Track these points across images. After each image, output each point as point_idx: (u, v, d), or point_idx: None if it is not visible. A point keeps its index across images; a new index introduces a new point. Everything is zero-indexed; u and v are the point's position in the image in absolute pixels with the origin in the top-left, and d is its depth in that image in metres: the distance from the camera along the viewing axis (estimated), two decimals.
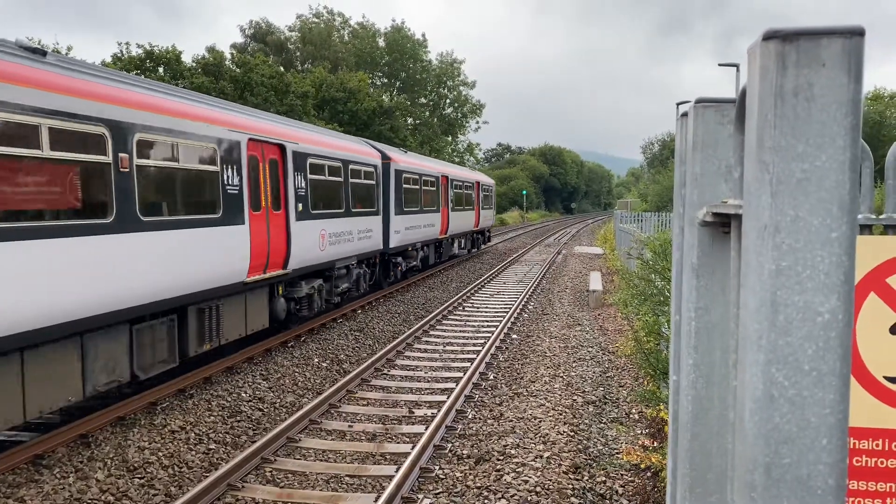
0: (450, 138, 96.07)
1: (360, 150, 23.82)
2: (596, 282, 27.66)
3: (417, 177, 29.94)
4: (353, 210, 21.91)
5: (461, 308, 24.39)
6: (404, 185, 27.91)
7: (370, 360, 16.44)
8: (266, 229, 16.31)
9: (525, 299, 25.93)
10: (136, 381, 12.70)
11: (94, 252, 10.68)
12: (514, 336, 19.94)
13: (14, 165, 9.34)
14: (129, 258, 11.41)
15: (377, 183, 24.82)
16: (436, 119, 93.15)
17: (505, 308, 24.25)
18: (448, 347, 18.58)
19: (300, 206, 18.05)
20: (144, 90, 12.53)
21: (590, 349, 18.33)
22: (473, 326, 21.16)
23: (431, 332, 20.24)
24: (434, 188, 32.75)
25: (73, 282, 10.22)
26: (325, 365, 16.68)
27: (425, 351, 18.21)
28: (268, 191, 16.43)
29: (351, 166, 22.11)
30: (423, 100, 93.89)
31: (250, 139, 15.72)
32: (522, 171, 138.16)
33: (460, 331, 20.60)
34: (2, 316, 9.09)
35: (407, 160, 29.19)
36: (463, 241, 41.15)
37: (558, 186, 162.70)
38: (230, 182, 14.57)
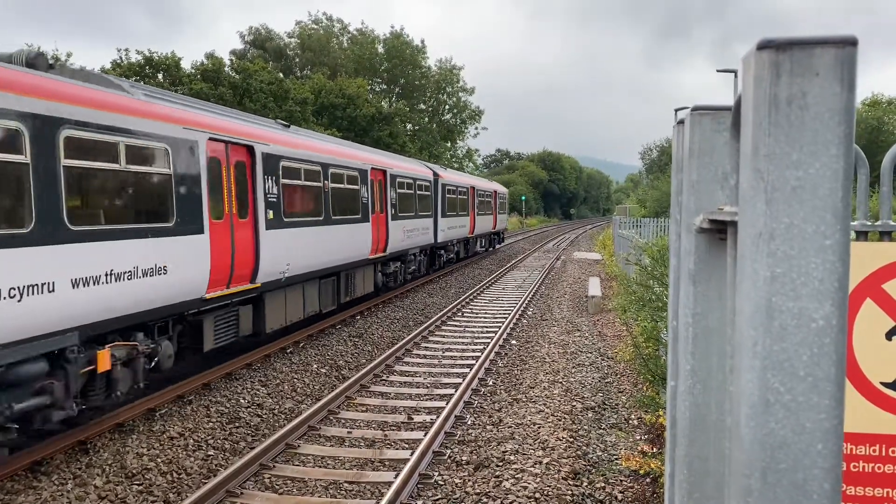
0: (449, 144, 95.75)
1: (423, 171, 32.45)
2: (595, 287, 27.77)
3: (455, 188, 38.26)
4: (420, 213, 29.74)
5: (459, 314, 24.28)
6: (447, 196, 35.83)
7: (369, 367, 16.46)
8: (379, 227, 24.91)
9: (524, 305, 25.84)
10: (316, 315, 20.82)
11: (315, 235, 19.09)
12: (514, 342, 19.84)
13: None
14: (331, 239, 20.33)
15: (432, 193, 32.94)
16: (435, 125, 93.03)
17: (504, 313, 24.19)
18: (447, 353, 18.55)
19: (393, 210, 26.49)
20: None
21: (589, 355, 18.27)
22: (472, 332, 21.08)
23: (430, 338, 20.23)
24: (465, 197, 40.76)
25: (305, 254, 18.19)
26: (324, 371, 16.69)
27: (424, 357, 18.21)
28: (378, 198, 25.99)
29: (419, 182, 30.61)
30: (422, 106, 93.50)
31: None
32: (521, 176, 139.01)
33: (459, 336, 20.56)
34: (298, 266, 17.87)
35: (449, 176, 37.67)
36: (483, 240, 48.80)
37: (557, 192, 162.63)
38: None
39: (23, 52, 11.01)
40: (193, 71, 53.26)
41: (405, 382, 15.74)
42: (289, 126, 20.13)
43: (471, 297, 27.75)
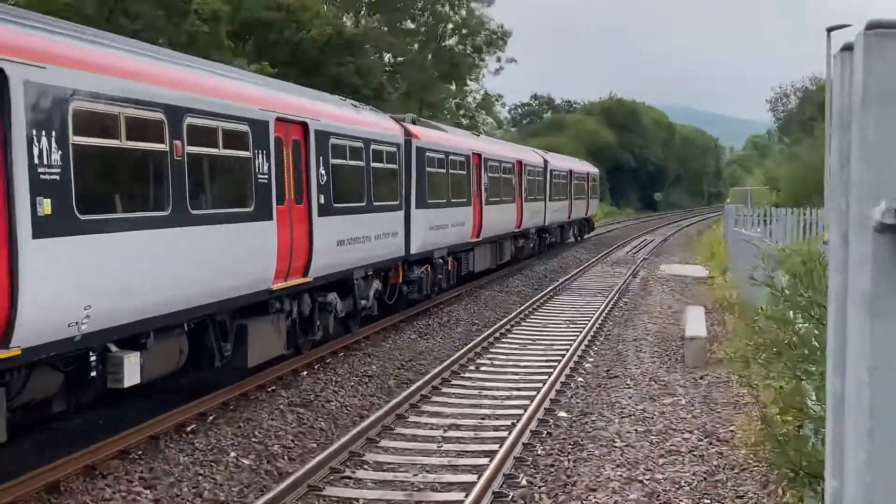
0: (453, 86, 65.79)
1: (533, 158, 35.47)
2: (696, 324, 18.69)
3: (566, 172, 43.85)
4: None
5: (475, 368, 16.45)
6: (554, 181, 39.67)
7: (322, 456, 10.59)
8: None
9: (578, 352, 17.58)
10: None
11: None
12: (563, 413, 13.49)
13: None
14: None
15: (543, 178, 36.89)
16: (430, 56, 61.48)
17: (546, 367, 16.36)
18: (456, 431, 12.42)
19: (526, 196, 31.41)
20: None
21: (687, 436, 12.23)
22: (497, 397, 14.39)
23: (432, 405, 13.91)
24: (565, 181, 43.63)
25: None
26: (246, 463, 11.04)
27: (415, 438, 12.06)
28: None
29: (527, 167, 33.02)
30: (409, 24, 62.44)
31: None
32: (573, 139, 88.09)
33: (477, 402, 14.09)
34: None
35: (557, 163, 42.52)
36: (576, 227, 48.82)
37: (633, 165, 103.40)
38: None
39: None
40: None
41: (384, 481, 10.30)
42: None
43: (495, 336, 19.30)
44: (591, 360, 17.44)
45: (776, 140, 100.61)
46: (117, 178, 10.47)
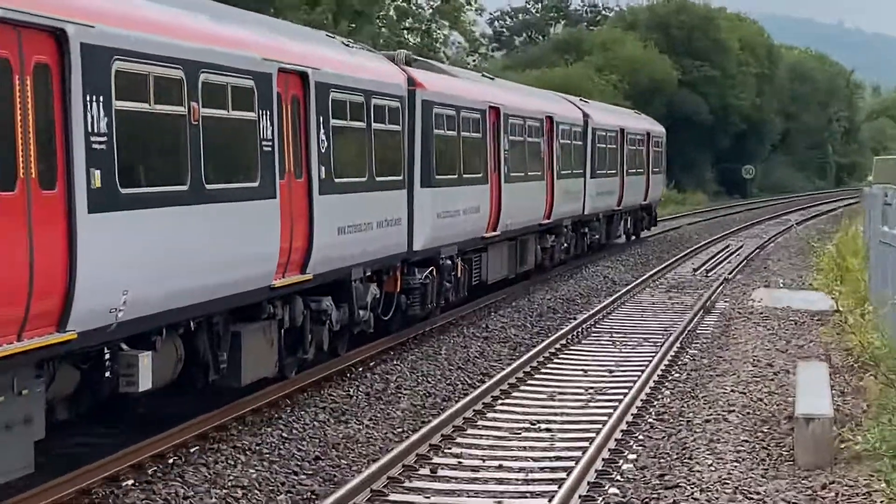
0: None
1: (568, 112, 27.57)
2: (816, 393, 11.64)
3: (616, 132, 32.40)
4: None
5: (430, 473, 10.12)
6: (598, 145, 29.93)
7: None
8: None
9: (611, 443, 11.06)
10: None
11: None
12: None
13: None
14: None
15: (583, 142, 28.56)
16: None
17: (554, 474, 10.03)
18: None
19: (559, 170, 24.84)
20: None
21: None
22: None
23: None
24: (614, 146, 31.97)
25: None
26: None
27: None
28: None
29: (560, 127, 25.53)
30: None
31: None
32: (601, 71, 58.84)
33: None
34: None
35: (602, 118, 31.33)
36: (629, 218, 35.48)
37: (705, 118, 64.50)
38: None
39: None
40: None
41: None
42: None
43: (475, 410, 12.57)
44: (633, 456, 10.85)
45: None
46: (150, 147, 10.08)
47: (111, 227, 8.80)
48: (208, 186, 10.26)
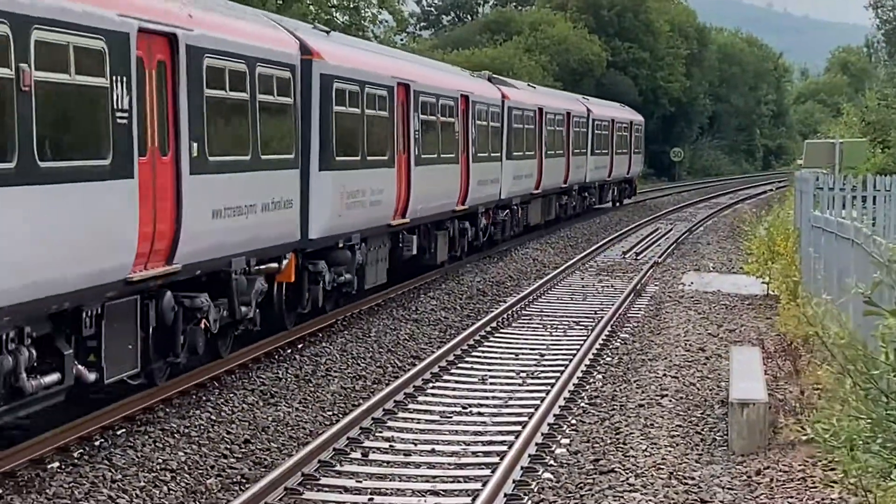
0: None
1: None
2: (749, 378, 11.58)
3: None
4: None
5: (362, 457, 9.99)
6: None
7: None
8: None
9: (544, 427, 10.91)
10: None
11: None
12: None
13: None
14: None
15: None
16: None
17: (487, 458, 9.95)
18: None
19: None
20: None
21: None
22: None
23: None
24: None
25: None
26: None
27: None
28: None
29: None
30: None
31: None
32: (530, 51, 59.73)
33: None
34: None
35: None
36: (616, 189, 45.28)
37: (633, 99, 61.84)
38: None
39: None
40: None
41: None
42: None
43: (406, 393, 12.43)
44: (567, 440, 10.69)
45: (882, 56, 61.56)
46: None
47: None
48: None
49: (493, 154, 26.06)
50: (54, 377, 9.29)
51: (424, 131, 20.31)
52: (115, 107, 9.83)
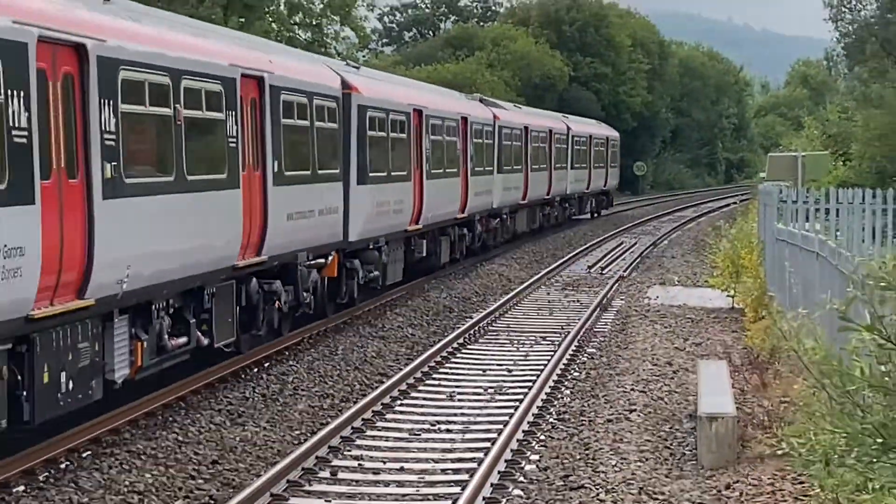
0: None
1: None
2: (717, 392, 11.53)
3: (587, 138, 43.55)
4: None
5: (331, 476, 9.87)
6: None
7: None
8: None
9: (513, 444, 10.79)
10: None
11: None
12: None
13: None
14: None
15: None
16: None
17: (456, 476, 9.89)
18: None
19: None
20: None
21: None
22: None
23: None
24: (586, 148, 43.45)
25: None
26: None
27: None
28: None
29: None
30: None
31: None
32: (493, 66, 59.61)
33: None
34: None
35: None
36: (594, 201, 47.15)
37: (599, 115, 60.84)
38: None
39: None
40: None
41: None
42: None
43: (375, 410, 12.35)
44: (536, 457, 10.64)
45: (842, 70, 61.24)
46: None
47: None
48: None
49: (486, 168, 29.32)
50: (184, 339, 12.08)
51: (433, 149, 23.67)
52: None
